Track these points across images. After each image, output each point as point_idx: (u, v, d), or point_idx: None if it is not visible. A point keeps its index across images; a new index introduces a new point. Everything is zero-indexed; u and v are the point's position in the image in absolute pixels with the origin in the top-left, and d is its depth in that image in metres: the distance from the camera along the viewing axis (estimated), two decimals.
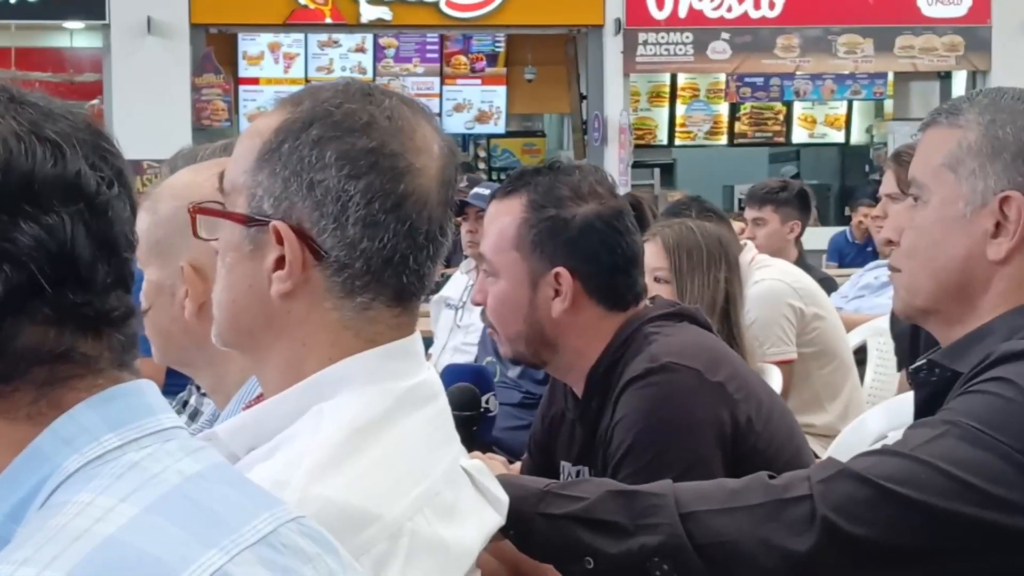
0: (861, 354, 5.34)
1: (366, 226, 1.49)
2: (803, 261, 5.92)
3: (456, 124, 15.29)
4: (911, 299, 1.95)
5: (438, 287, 6.73)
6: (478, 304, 2.54)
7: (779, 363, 4.41)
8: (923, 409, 1.88)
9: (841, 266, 10.83)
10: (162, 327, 2.06)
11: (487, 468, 1.72)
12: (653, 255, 3.55)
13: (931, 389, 1.88)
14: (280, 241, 1.49)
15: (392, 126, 1.52)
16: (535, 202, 2.45)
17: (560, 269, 2.42)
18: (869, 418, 3.24)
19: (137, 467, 1.03)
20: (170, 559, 0.96)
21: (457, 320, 5.48)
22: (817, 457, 2.84)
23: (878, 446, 1.89)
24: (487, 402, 3.32)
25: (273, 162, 1.51)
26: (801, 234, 5.91)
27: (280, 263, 1.50)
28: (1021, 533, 1.62)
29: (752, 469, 2.34)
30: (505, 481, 1.75)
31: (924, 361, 1.92)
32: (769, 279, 4.58)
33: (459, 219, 5.62)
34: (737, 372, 2.45)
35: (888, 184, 4.27)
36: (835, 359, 4.77)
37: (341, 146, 1.49)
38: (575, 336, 2.46)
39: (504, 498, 1.72)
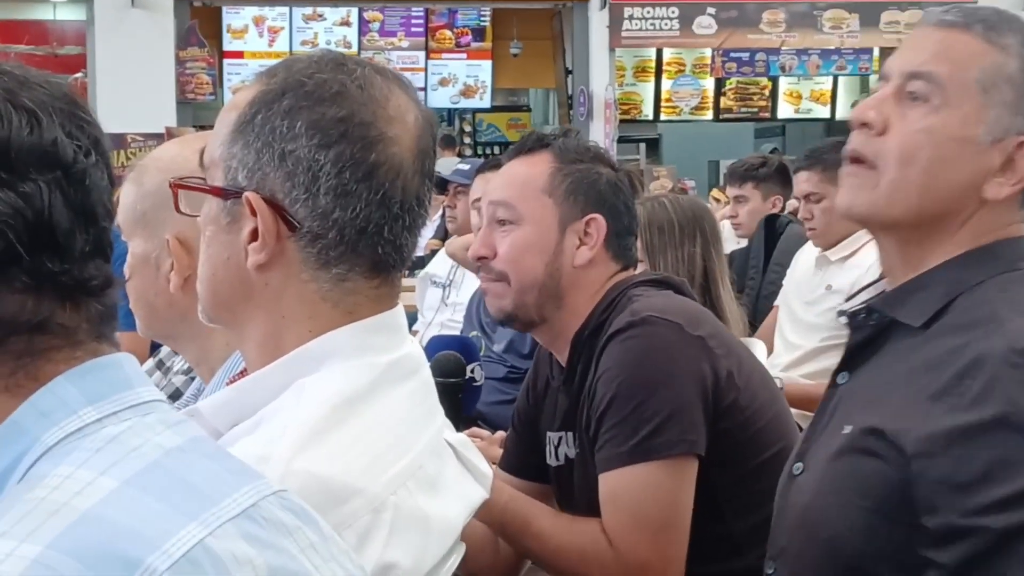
0: None
1: (337, 196, 1.48)
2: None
3: (441, 98, 15.29)
4: (886, 206, 1.80)
5: (424, 262, 6.74)
6: (481, 258, 2.52)
7: None
8: (855, 352, 1.87)
9: None
10: (147, 300, 2.06)
11: (471, 442, 1.72)
12: None
13: (867, 333, 1.85)
14: (254, 212, 1.49)
15: (364, 95, 1.51)
16: (565, 155, 2.51)
17: (596, 215, 2.48)
18: None
19: (116, 440, 1.03)
20: (149, 532, 0.96)
21: (444, 298, 5.48)
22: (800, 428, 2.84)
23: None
24: (472, 371, 3.33)
25: (247, 134, 1.50)
26: (783, 208, 5.90)
27: (255, 235, 1.49)
28: None
29: (733, 424, 2.38)
30: None
31: (862, 306, 1.87)
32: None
33: (441, 196, 5.62)
34: (719, 331, 2.49)
35: (807, 186, 4.29)
36: None
37: (311, 115, 1.48)
38: (582, 291, 2.49)
39: (488, 472, 1.72)
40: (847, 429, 1.76)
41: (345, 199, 1.48)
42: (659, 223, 3.60)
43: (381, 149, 1.50)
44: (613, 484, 2.35)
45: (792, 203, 5.54)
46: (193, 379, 2.36)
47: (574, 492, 2.51)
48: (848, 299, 1.97)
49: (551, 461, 2.59)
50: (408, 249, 1.57)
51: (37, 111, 1.04)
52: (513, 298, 2.49)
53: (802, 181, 4.72)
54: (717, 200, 9.64)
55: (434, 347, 3.40)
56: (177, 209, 1.60)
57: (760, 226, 5.73)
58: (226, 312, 1.56)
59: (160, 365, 2.80)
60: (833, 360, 4.84)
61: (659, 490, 2.33)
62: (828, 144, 4.79)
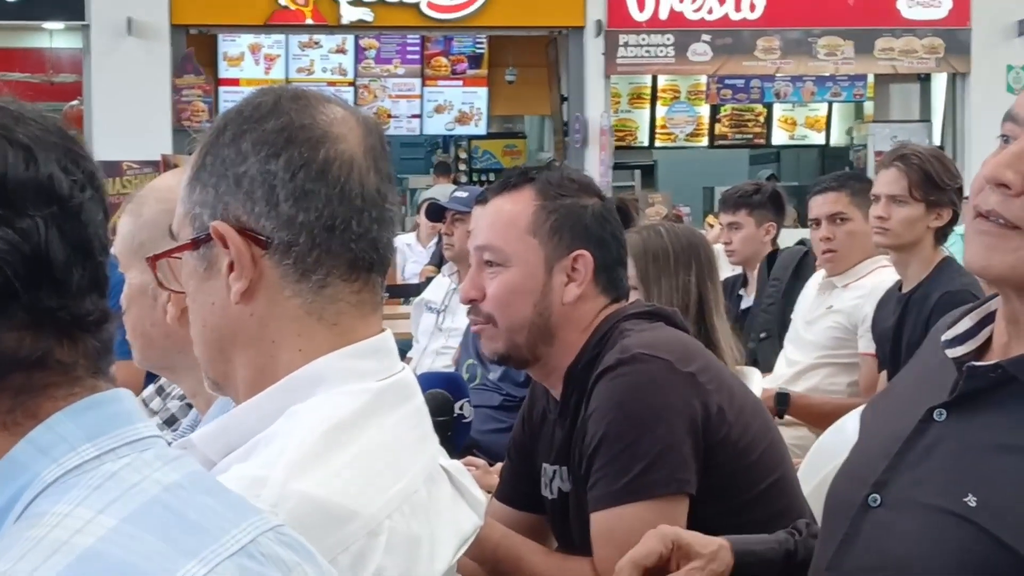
0: None
1: (297, 199, 1.49)
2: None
3: (437, 125, 15.30)
4: None
5: (419, 289, 6.73)
6: (471, 301, 2.52)
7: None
8: (963, 399, 1.79)
9: None
10: (143, 330, 2.06)
11: (464, 468, 1.72)
12: None
13: (982, 383, 1.77)
14: (226, 244, 1.50)
15: (299, 104, 1.54)
16: (548, 191, 2.48)
17: (582, 252, 2.46)
18: (850, 420, 3.25)
19: (115, 477, 1.02)
20: (150, 570, 0.96)
21: (439, 323, 5.48)
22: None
23: None
24: (461, 408, 3.32)
25: (202, 177, 1.53)
26: (777, 235, 5.91)
27: (232, 267, 1.50)
28: None
29: (725, 458, 2.37)
30: None
31: (992, 363, 1.77)
32: (889, 281, 4.56)
33: (439, 223, 5.63)
34: (709, 365, 2.46)
35: (892, 185, 4.27)
36: None
37: (254, 134, 1.51)
38: (573, 327, 2.47)
39: (482, 498, 1.72)
40: (971, 501, 1.70)
41: (305, 200, 1.49)
42: (654, 251, 3.59)
43: (328, 146, 1.52)
44: (604, 523, 2.34)
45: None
46: (190, 406, 2.36)
47: (570, 527, 2.50)
48: (949, 326, 1.88)
49: (546, 493, 2.58)
50: (383, 245, 1.57)
51: (32, 147, 1.04)
52: (504, 339, 2.49)
53: (829, 202, 4.73)
54: (711, 226, 9.65)
55: (422, 385, 3.40)
56: (160, 286, 1.62)
57: (764, 263, 5.76)
58: (223, 362, 1.56)
59: (160, 391, 2.80)
60: (828, 376, 4.85)
61: (650, 529, 2.32)
62: (848, 173, 4.83)
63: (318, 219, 1.50)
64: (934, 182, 4.18)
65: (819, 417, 4.30)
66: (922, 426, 1.82)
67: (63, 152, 1.07)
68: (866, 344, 4.57)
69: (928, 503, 1.75)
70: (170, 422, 2.64)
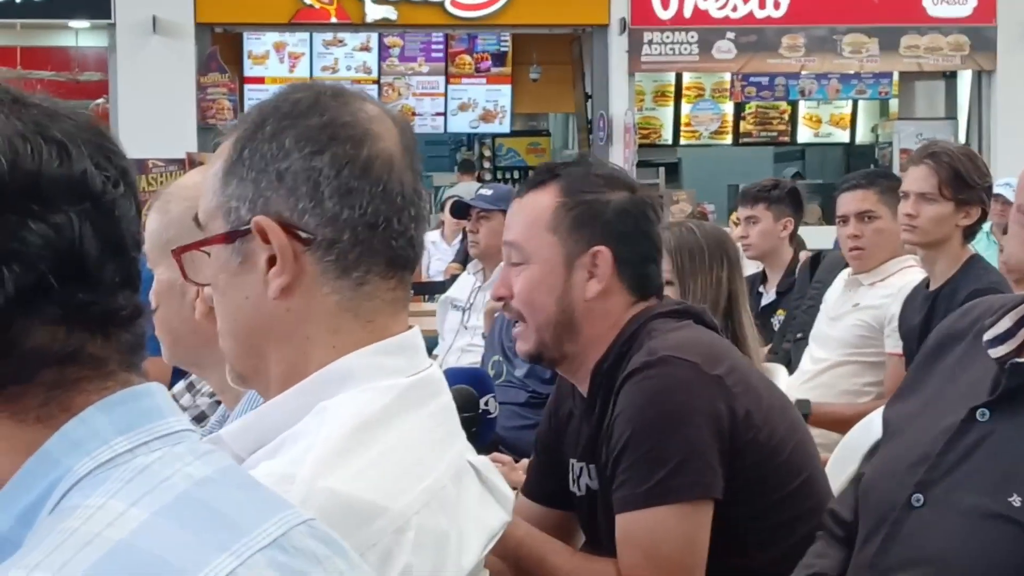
0: None
1: (342, 196, 1.50)
2: (798, 257, 5.93)
3: (461, 123, 15.32)
4: None
5: (444, 287, 6.73)
6: (501, 299, 2.53)
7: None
8: (1005, 396, 1.79)
9: None
10: (172, 327, 2.07)
11: (492, 464, 1.72)
12: None
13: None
14: (266, 239, 1.50)
15: (339, 102, 1.55)
16: (570, 187, 2.48)
17: (600, 248, 2.44)
18: (876, 417, 3.24)
19: (147, 471, 1.03)
20: (181, 563, 0.96)
21: (464, 321, 5.49)
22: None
23: None
24: (486, 404, 3.32)
25: (239, 171, 1.52)
26: (795, 231, 5.92)
27: (272, 262, 1.50)
28: None
29: (753, 462, 2.36)
30: None
31: None
32: (916, 280, 4.56)
33: (464, 221, 5.64)
34: (736, 367, 2.45)
35: (921, 182, 4.25)
36: None
37: (296, 130, 1.51)
38: (599, 323, 2.47)
39: (510, 494, 1.72)
40: (1016, 501, 1.70)
41: (350, 197, 1.50)
42: (688, 248, 3.61)
43: (371, 144, 1.53)
44: (629, 526, 2.34)
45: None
46: (219, 403, 2.37)
47: (598, 524, 2.50)
48: (991, 324, 1.88)
49: (574, 490, 2.58)
50: (419, 242, 1.59)
51: (67, 143, 1.04)
52: (534, 338, 2.50)
53: (858, 199, 4.72)
54: (736, 224, 9.63)
55: (447, 381, 3.40)
56: (185, 277, 1.61)
57: (806, 265, 5.75)
58: (254, 357, 1.56)
59: (190, 387, 2.81)
60: (852, 374, 4.82)
61: (674, 533, 2.32)
62: (877, 171, 4.80)
63: (362, 216, 1.51)
64: (964, 180, 4.17)
65: (842, 424, 4.30)
66: (964, 426, 1.82)
67: (96, 148, 1.07)
68: (893, 344, 4.56)
69: (972, 503, 1.75)
70: (200, 419, 2.65)
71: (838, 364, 4.73)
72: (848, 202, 4.75)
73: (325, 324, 1.52)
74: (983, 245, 6.73)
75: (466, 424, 3.14)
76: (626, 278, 2.49)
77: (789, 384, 4.42)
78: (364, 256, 1.52)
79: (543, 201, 2.48)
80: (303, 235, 1.50)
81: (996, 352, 1.83)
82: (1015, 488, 1.71)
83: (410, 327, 1.60)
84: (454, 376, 3.57)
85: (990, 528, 1.71)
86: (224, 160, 1.54)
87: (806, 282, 5.63)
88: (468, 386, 3.32)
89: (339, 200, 1.50)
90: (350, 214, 1.50)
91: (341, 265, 1.51)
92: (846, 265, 5.02)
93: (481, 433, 3.33)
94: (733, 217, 10.53)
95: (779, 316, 5.74)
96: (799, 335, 5.32)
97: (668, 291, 3.48)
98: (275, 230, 1.49)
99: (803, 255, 5.93)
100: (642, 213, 2.51)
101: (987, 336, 1.85)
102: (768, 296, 5.84)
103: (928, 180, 4.19)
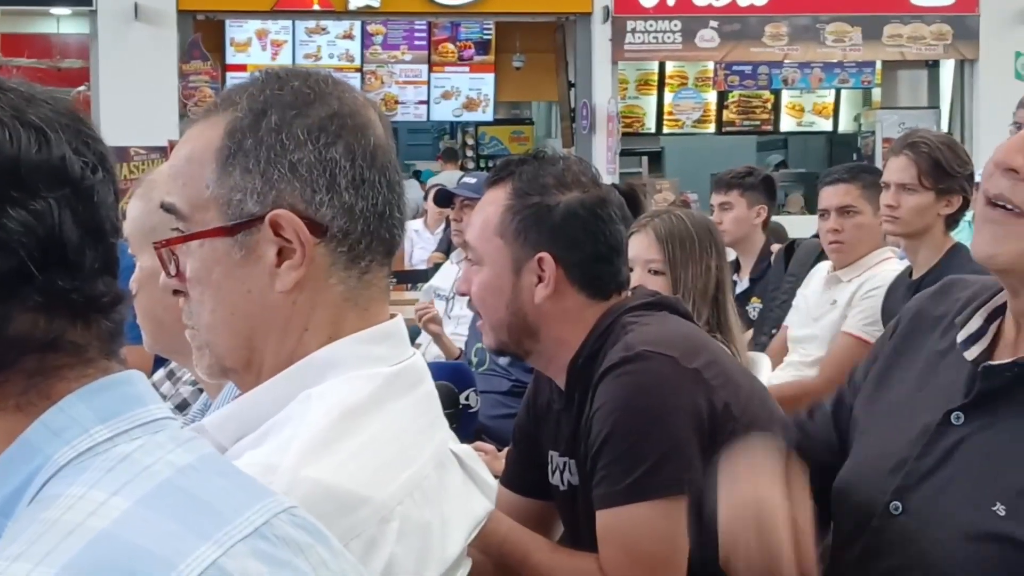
0: None
1: (356, 186, 1.50)
2: (770, 243, 5.95)
3: (444, 111, 15.30)
4: None
5: (427, 276, 6.73)
6: (463, 294, 2.56)
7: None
8: (980, 400, 1.77)
9: None
10: (155, 315, 2.05)
11: (475, 453, 1.72)
12: (646, 247, 3.55)
13: (998, 383, 1.75)
14: (278, 232, 1.48)
15: (333, 90, 1.54)
16: (519, 190, 2.46)
17: (543, 254, 2.43)
18: None
19: (128, 459, 1.02)
20: (164, 553, 0.96)
21: (447, 311, 5.48)
22: None
23: None
24: (467, 399, 3.32)
25: (241, 162, 1.49)
26: (768, 219, 5.94)
27: (282, 255, 1.49)
28: None
29: None
30: None
31: (1010, 362, 1.76)
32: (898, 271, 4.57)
33: (447, 209, 5.63)
34: (715, 359, 2.45)
35: (901, 173, 4.26)
36: None
37: (306, 120, 1.50)
38: (557, 324, 2.46)
39: (493, 482, 1.72)
40: (1000, 510, 1.68)
41: (363, 188, 1.51)
42: (680, 236, 3.60)
43: (371, 132, 1.54)
44: (609, 522, 2.34)
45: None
46: (201, 391, 2.36)
47: (578, 519, 2.50)
48: (956, 317, 1.86)
49: (556, 483, 2.58)
50: (403, 230, 1.61)
51: (45, 128, 1.04)
52: (492, 335, 2.51)
53: (840, 194, 4.73)
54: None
55: None
56: (166, 272, 1.57)
57: (781, 255, 5.76)
58: (247, 350, 1.54)
59: (171, 375, 2.80)
60: None
61: (655, 529, 2.31)
62: (860, 165, 4.82)
63: (373, 206, 1.52)
64: (944, 169, 4.18)
65: (789, 402, 4.32)
66: (940, 429, 1.79)
67: (74, 134, 1.07)
68: (853, 324, 4.59)
69: (955, 512, 1.73)
70: (182, 407, 2.64)
71: (820, 360, 4.75)
72: (830, 196, 4.76)
73: (327, 315, 1.52)
74: (965, 235, 6.74)
75: (447, 420, 3.15)
76: (576, 280, 2.47)
77: (770, 379, 4.42)
78: (371, 246, 1.53)
79: (493, 204, 2.48)
80: (317, 226, 1.49)
81: (971, 354, 1.81)
82: (997, 497, 1.69)
83: (393, 315, 1.59)
84: (433, 372, 3.56)
85: (975, 539, 1.69)
86: (217, 149, 1.51)
87: (781, 272, 5.64)
88: (448, 382, 3.32)
89: (354, 190, 1.50)
90: (363, 204, 1.51)
91: (351, 256, 1.52)
92: (821, 254, 5.03)
93: (462, 428, 3.33)
94: None
95: (754, 304, 5.76)
96: (774, 331, 5.33)
97: (659, 280, 3.48)
98: (295, 222, 1.48)
99: (775, 246, 5.94)
100: (591, 213, 2.46)
101: (960, 337, 1.84)
102: (741, 284, 5.85)
103: (908, 171, 4.21)
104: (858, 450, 1.93)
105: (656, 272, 3.55)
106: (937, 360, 1.87)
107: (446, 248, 8.58)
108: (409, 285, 8.29)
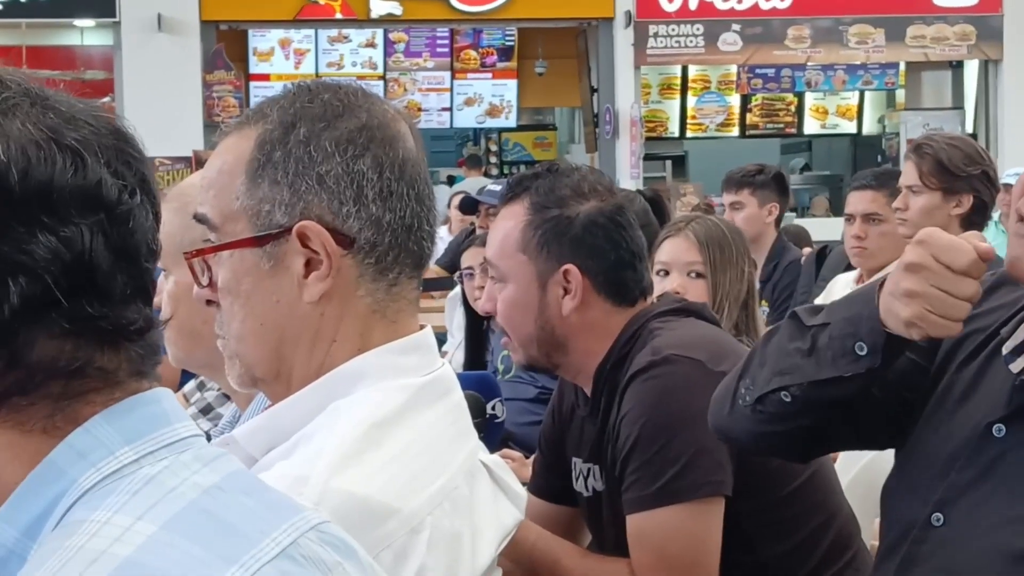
0: None
1: (384, 198, 1.51)
2: (782, 243, 5.93)
3: (467, 118, 15.31)
4: None
5: (452, 284, 6.71)
6: (488, 313, 2.56)
7: None
8: (1018, 413, 1.76)
9: None
10: (192, 328, 2.04)
11: (504, 463, 1.72)
12: (686, 250, 3.53)
13: None
14: (305, 244, 1.49)
15: (363, 103, 1.55)
16: (537, 204, 2.46)
17: (569, 266, 2.43)
18: None
19: (153, 481, 1.01)
20: None
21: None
22: None
23: None
24: (493, 408, 3.31)
25: (270, 174, 1.51)
26: (780, 217, 5.91)
27: (310, 266, 1.49)
28: None
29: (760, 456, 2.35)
30: None
31: None
32: None
33: (472, 217, 5.63)
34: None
35: (906, 176, 4.25)
36: None
37: (334, 133, 1.51)
38: (585, 335, 2.46)
39: (522, 492, 1.72)
40: None
41: (391, 200, 1.51)
42: (718, 240, 3.60)
43: (401, 144, 1.54)
44: (640, 526, 2.34)
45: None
46: (226, 396, 2.36)
47: (603, 525, 2.50)
48: (1003, 324, 1.84)
49: (579, 489, 2.58)
50: (434, 241, 1.61)
51: (82, 151, 1.01)
52: (521, 352, 2.51)
53: (867, 200, 4.72)
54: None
55: None
56: (198, 283, 1.58)
57: (812, 260, 5.74)
58: (277, 360, 1.55)
59: (201, 387, 2.81)
60: None
61: (686, 532, 2.32)
62: (888, 171, 4.81)
63: (401, 218, 1.52)
64: (948, 169, 4.16)
65: None
66: (982, 442, 1.78)
67: (115, 154, 1.05)
68: None
69: (996, 524, 1.72)
70: (206, 411, 2.65)
71: None
72: (856, 201, 4.75)
73: (356, 327, 1.53)
74: (991, 234, 6.71)
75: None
76: (603, 289, 2.47)
77: None
78: (400, 258, 1.53)
79: (512, 220, 2.48)
80: (344, 238, 1.50)
81: (1016, 366, 1.79)
82: None
83: (422, 326, 1.59)
84: (459, 382, 3.57)
85: (1015, 566, 1.68)
86: (248, 161, 1.52)
87: (812, 277, 5.62)
88: (474, 392, 3.32)
89: (382, 203, 1.51)
90: (391, 216, 1.51)
91: (380, 267, 1.52)
92: (848, 263, 5.01)
93: (488, 438, 3.32)
94: None
95: (763, 307, 5.74)
96: None
97: (699, 284, 3.48)
98: (322, 234, 1.49)
99: (806, 250, 5.91)
100: (612, 221, 2.47)
101: (1005, 349, 1.82)
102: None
103: (911, 173, 4.21)
104: (902, 458, 1.93)
105: (698, 275, 3.54)
106: (985, 368, 1.85)
107: (446, 262, 8.49)
108: (435, 293, 8.27)
